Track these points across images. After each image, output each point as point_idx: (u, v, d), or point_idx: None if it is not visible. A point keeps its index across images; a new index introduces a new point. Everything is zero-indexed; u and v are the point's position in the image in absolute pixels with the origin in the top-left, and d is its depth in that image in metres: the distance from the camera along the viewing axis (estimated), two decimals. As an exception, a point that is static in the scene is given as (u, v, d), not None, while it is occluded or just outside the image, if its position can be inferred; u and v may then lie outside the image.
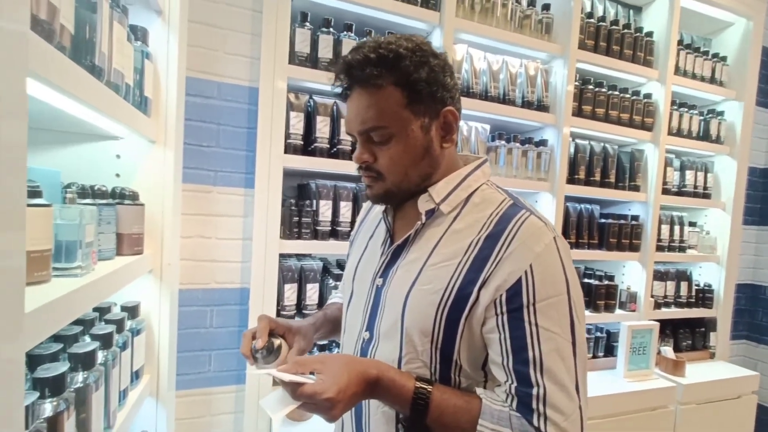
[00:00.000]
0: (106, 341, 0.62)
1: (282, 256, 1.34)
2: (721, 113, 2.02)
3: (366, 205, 0.87)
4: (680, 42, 1.85)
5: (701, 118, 1.97)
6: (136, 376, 0.79)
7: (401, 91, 0.58)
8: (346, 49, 1.32)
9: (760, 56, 1.99)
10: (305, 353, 0.71)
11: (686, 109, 1.92)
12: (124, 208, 0.71)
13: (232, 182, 1.29)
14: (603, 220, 1.79)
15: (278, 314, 1.31)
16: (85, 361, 0.55)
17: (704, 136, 1.98)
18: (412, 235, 0.64)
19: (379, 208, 0.77)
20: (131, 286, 0.80)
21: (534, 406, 0.52)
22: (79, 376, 0.55)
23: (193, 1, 1.20)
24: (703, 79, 1.93)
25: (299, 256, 1.43)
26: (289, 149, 1.28)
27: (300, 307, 1.37)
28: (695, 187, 1.98)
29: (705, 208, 2.07)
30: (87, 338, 0.63)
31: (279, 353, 0.67)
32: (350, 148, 1.36)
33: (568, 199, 1.67)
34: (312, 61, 1.30)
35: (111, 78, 0.62)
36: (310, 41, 1.28)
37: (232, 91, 1.28)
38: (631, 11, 1.93)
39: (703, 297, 2.03)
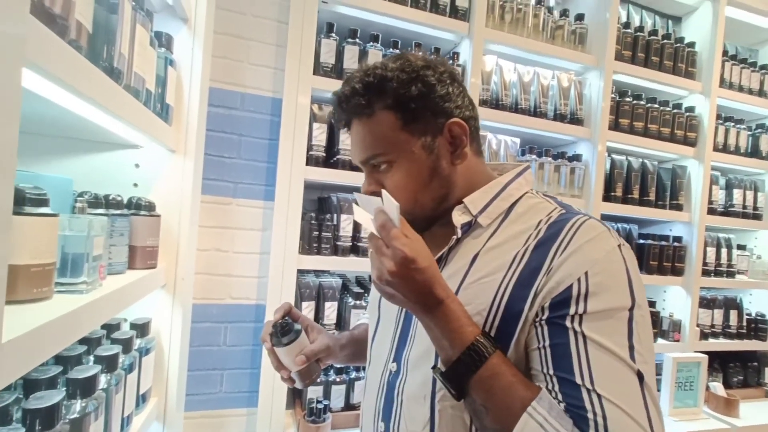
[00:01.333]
0: (110, 364, 0.57)
1: (300, 272, 1.29)
2: (772, 128, 1.88)
3: None
4: (724, 53, 1.74)
5: (749, 133, 1.83)
6: (142, 399, 0.73)
7: (393, 113, 0.54)
8: (372, 60, 1.28)
9: (813, 68, 1.85)
10: (322, 362, 0.67)
11: (733, 124, 1.79)
12: (138, 220, 0.68)
13: (252, 194, 1.26)
14: (642, 241, 1.66)
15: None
16: (85, 388, 0.50)
17: (753, 152, 1.84)
18: (446, 252, 0.57)
19: None
20: (143, 301, 0.76)
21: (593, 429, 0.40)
22: (77, 405, 0.49)
23: (220, 11, 1.20)
24: (750, 91, 1.80)
25: (318, 273, 1.37)
26: (311, 161, 1.24)
27: (317, 326, 1.30)
28: (744, 207, 1.82)
29: (755, 230, 1.91)
30: (91, 359, 0.58)
31: (298, 336, 0.64)
32: (374, 160, 1.31)
33: (603, 217, 1.56)
34: (337, 72, 1.27)
35: (131, 82, 0.59)
36: (335, 52, 1.26)
37: (255, 102, 1.26)
38: (670, 21, 1.84)
39: (756, 327, 1.84)
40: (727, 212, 1.80)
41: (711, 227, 1.75)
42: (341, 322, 1.35)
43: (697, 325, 1.70)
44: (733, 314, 1.80)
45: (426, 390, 0.52)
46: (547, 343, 0.45)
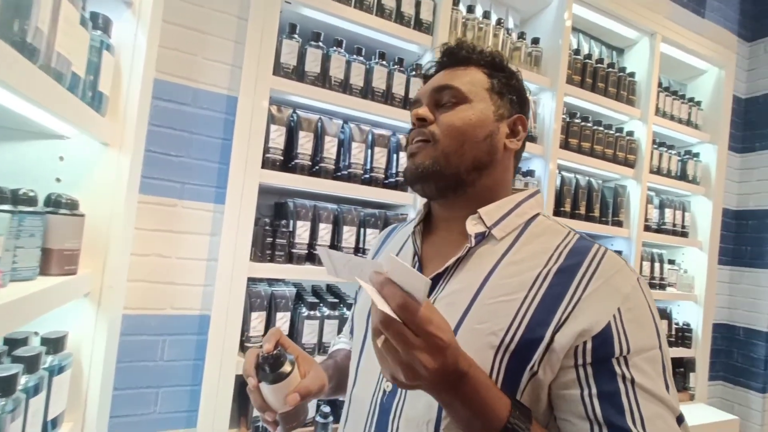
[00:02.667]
0: (5, 386, 0.49)
1: (251, 280, 1.22)
2: (697, 155, 2.08)
3: (379, 236, 0.77)
4: (660, 84, 1.92)
5: (679, 158, 2.02)
6: (52, 425, 0.64)
7: (487, 76, 0.58)
8: (335, 65, 1.26)
9: (731, 103, 2.08)
10: (312, 393, 0.55)
11: (665, 149, 1.96)
12: (56, 219, 0.59)
13: (201, 196, 1.18)
14: (588, 255, 1.76)
15: (242, 346, 1.17)
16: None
17: (682, 175, 2.02)
18: (454, 263, 0.53)
19: (401, 234, 0.67)
20: (60, 312, 0.67)
21: None
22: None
23: (173, 2, 1.12)
24: (680, 121, 1.99)
25: (271, 281, 1.31)
26: (267, 164, 1.19)
27: (268, 337, 1.23)
28: (674, 225, 2.00)
29: (683, 247, 2.09)
30: (-16, 382, 0.49)
31: (291, 370, 0.53)
32: (333, 167, 1.28)
33: (554, 231, 1.63)
34: (298, 74, 1.23)
35: (52, 63, 0.52)
36: (297, 54, 1.22)
37: (208, 99, 1.19)
38: (614, 52, 2.00)
39: (683, 336, 2.01)
40: (660, 229, 1.96)
41: (646, 243, 1.90)
42: (294, 334, 1.28)
43: (634, 335, 1.81)
44: (664, 324, 1.95)
45: (430, 415, 0.47)
46: (594, 391, 0.43)
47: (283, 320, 1.23)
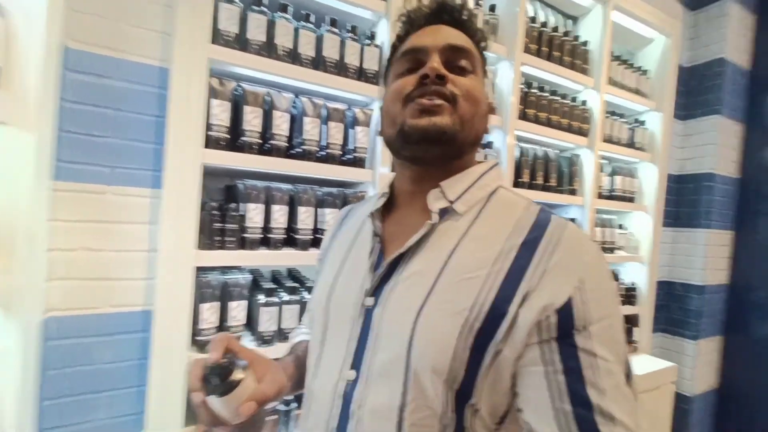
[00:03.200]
0: None
1: (201, 269, 1.14)
2: (644, 122, 2.17)
3: (336, 217, 0.72)
4: (612, 53, 1.94)
5: (629, 126, 2.09)
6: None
7: (479, 53, 0.57)
8: (281, 33, 1.15)
9: (676, 72, 2.16)
10: (270, 398, 0.51)
11: (616, 117, 2.02)
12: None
13: (135, 181, 1.06)
14: (545, 224, 1.81)
15: (193, 339, 1.11)
16: None
17: (630, 143, 2.10)
18: (418, 239, 0.51)
19: (359, 215, 0.63)
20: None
21: None
22: None
23: (81, -46, 0.96)
24: (630, 89, 2.05)
25: (224, 269, 1.23)
26: (211, 143, 1.08)
27: (222, 329, 1.17)
28: (623, 191, 2.09)
29: (631, 212, 2.21)
30: None
31: (244, 378, 0.48)
32: (285, 144, 1.19)
33: (513, 203, 1.65)
34: (241, 43, 1.12)
35: None
36: (238, 20, 1.10)
37: (136, 71, 1.04)
38: (569, 21, 1.99)
39: (629, 295, 2.16)
40: (611, 196, 2.05)
41: (599, 210, 1.98)
42: (251, 323, 1.23)
43: (587, 297, 1.92)
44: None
45: (394, 401, 0.46)
46: (559, 367, 0.42)
47: (238, 309, 1.17)
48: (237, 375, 0.47)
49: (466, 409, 0.45)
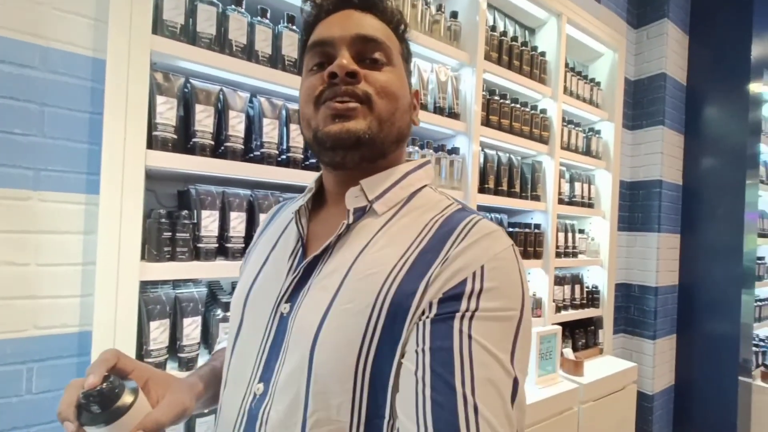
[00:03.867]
0: None
1: (149, 283, 1.02)
2: (599, 131, 2.28)
3: (269, 213, 0.67)
4: (567, 65, 2.03)
5: (584, 135, 2.18)
6: None
7: (397, 40, 0.52)
8: (234, 26, 1.08)
9: (623, 85, 2.30)
10: (166, 425, 0.44)
11: (573, 126, 2.10)
12: None
13: (66, 186, 0.94)
14: (511, 229, 1.83)
15: (141, 361, 0.98)
16: None
17: (587, 151, 2.20)
18: (333, 242, 0.47)
19: (285, 216, 0.58)
20: None
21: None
22: None
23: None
24: (584, 99, 2.15)
25: (176, 283, 1.12)
26: (157, 144, 0.99)
27: (175, 348, 1.05)
28: (582, 197, 2.17)
29: (589, 216, 2.30)
30: None
31: (132, 403, 0.41)
32: (242, 147, 1.12)
33: (479, 208, 1.66)
34: (189, 36, 1.04)
35: None
36: (184, 10, 1.02)
37: (65, 61, 0.93)
38: (527, 32, 2.07)
39: (592, 297, 2.22)
40: (571, 202, 2.11)
41: (560, 215, 2.03)
42: (208, 339, 1.12)
43: (553, 301, 1.95)
44: (577, 288, 2.14)
45: (295, 417, 0.40)
46: (428, 345, 0.38)
47: (192, 326, 1.06)
48: (125, 399, 0.41)
49: (380, 418, 0.40)
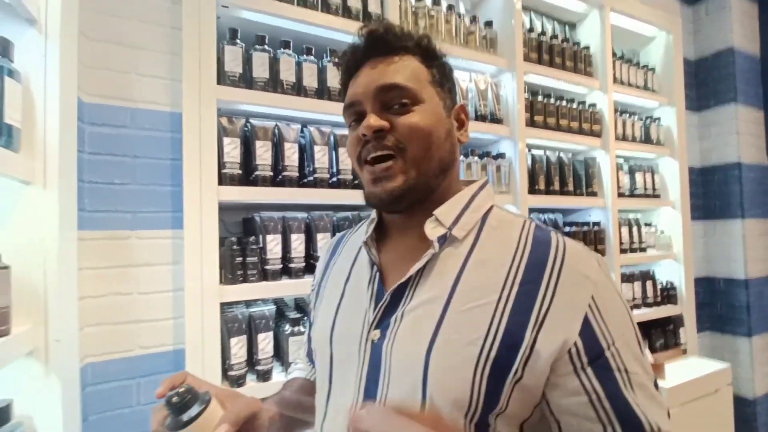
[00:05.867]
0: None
1: (226, 305, 1.14)
2: (658, 118, 2.12)
3: (327, 246, 0.71)
4: (614, 54, 1.93)
5: (641, 123, 2.05)
6: None
7: (425, 66, 0.53)
8: (284, 67, 1.20)
9: (682, 65, 2.13)
10: (241, 421, 0.48)
11: (628, 115, 1.98)
12: (-30, 276, 0.51)
13: (156, 224, 1.09)
14: (568, 228, 1.76)
15: (225, 374, 1.10)
16: None
17: (646, 139, 2.05)
18: (421, 269, 0.49)
19: (351, 243, 0.62)
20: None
21: None
22: None
23: (94, 16, 1.03)
24: (638, 87, 2.02)
25: (248, 303, 1.23)
26: (226, 180, 1.11)
27: (252, 362, 1.16)
28: (645, 188, 2.03)
29: (656, 208, 2.13)
30: None
31: (208, 403, 0.44)
32: (297, 174, 1.21)
33: (531, 210, 1.62)
34: (246, 81, 1.16)
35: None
36: (242, 60, 1.15)
37: (149, 118, 1.10)
38: (567, 27, 2.00)
39: (668, 294, 2.05)
40: (633, 194, 1.98)
41: (622, 209, 1.92)
42: (280, 353, 1.22)
43: (622, 302, 1.83)
44: (649, 285, 1.99)
45: None
46: (602, 395, 0.42)
47: (265, 341, 1.16)
48: (202, 398, 0.44)
49: None
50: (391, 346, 0.47)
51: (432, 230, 0.50)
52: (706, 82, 2.32)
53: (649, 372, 0.45)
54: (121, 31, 1.07)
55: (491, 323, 0.44)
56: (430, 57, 0.54)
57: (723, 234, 2.26)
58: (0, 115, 0.59)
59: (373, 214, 0.60)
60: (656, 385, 0.45)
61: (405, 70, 0.51)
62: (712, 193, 2.30)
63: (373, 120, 0.49)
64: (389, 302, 0.49)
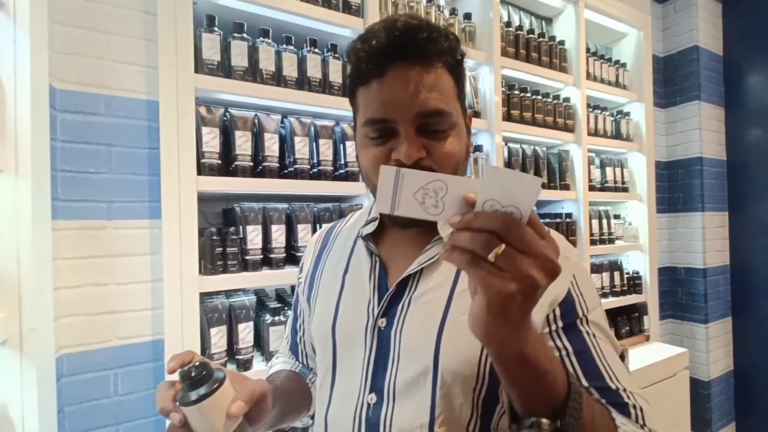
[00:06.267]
0: None
1: (205, 295, 1.14)
2: (628, 114, 2.21)
3: (316, 238, 0.71)
4: (588, 50, 2.00)
5: (612, 118, 2.13)
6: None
7: (453, 80, 0.50)
8: (264, 57, 1.19)
9: (651, 63, 2.22)
10: (256, 398, 0.46)
11: (600, 111, 2.06)
12: (-59, 264, 0.51)
13: (133, 214, 1.07)
14: (542, 220, 1.82)
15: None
16: None
17: (617, 135, 2.14)
18: (424, 263, 0.52)
19: (343, 237, 0.63)
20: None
21: (638, 423, 0.46)
22: None
23: (67, 1, 0.99)
24: (609, 83, 2.10)
25: (228, 293, 1.24)
26: (204, 170, 1.11)
27: (233, 351, 1.17)
28: (615, 182, 2.12)
29: (625, 201, 2.24)
30: None
31: (224, 377, 0.42)
32: (277, 165, 1.22)
33: (507, 202, 1.67)
34: (225, 70, 1.15)
35: None
36: (220, 48, 1.13)
37: (125, 106, 1.07)
38: (543, 22, 2.05)
39: (634, 284, 2.16)
40: (603, 188, 2.07)
41: (593, 202, 2.00)
42: (260, 343, 1.23)
43: (591, 289, 1.93)
44: (617, 275, 2.09)
45: (423, 419, 0.47)
46: (571, 350, 0.47)
47: (246, 331, 1.17)
48: (217, 375, 0.42)
49: (492, 411, 0.48)
50: (399, 332, 0.50)
51: (443, 227, 0.53)
52: (673, 79, 2.43)
53: (615, 343, 0.51)
54: (93, 15, 1.04)
55: None
56: (457, 63, 0.51)
57: (685, 226, 2.39)
58: (-32, 101, 0.58)
59: (374, 212, 0.61)
60: (622, 357, 0.51)
61: (444, 90, 0.48)
62: (676, 187, 2.43)
63: (414, 151, 0.46)
64: (395, 292, 0.52)
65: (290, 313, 0.77)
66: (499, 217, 0.31)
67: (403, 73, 0.46)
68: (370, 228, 0.59)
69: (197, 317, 1.06)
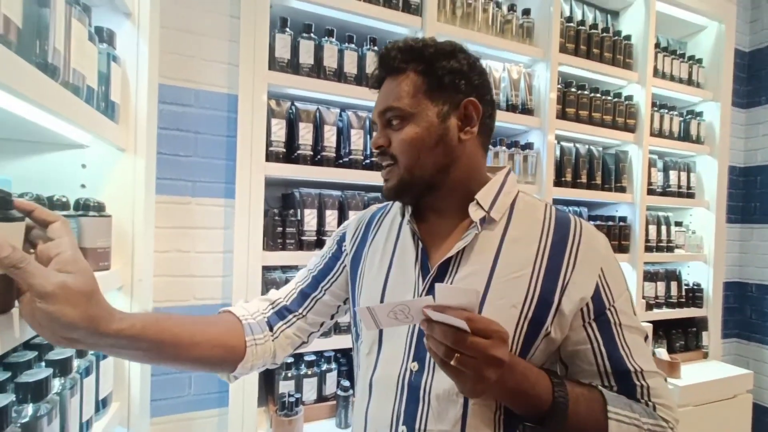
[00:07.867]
0: (63, 368, 0.56)
1: (266, 268, 1.29)
2: (700, 114, 2.06)
3: (359, 219, 0.76)
4: (657, 45, 1.89)
5: (681, 119, 2.00)
6: (102, 404, 0.72)
7: (422, 77, 0.59)
8: (327, 55, 1.29)
9: (733, 58, 2.04)
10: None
11: (666, 111, 1.94)
12: (87, 221, 0.66)
13: (212, 192, 1.24)
14: (592, 222, 1.78)
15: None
16: (36, 392, 0.49)
17: (685, 136, 2.01)
18: (463, 247, 0.58)
19: (388, 223, 0.70)
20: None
21: (642, 399, 0.54)
22: (29, 409, 0.48)
23: (167, 6, 1.16)
24: (680, 81, 1.97)
25: (284, 268, 1.38)
26: (271, 157, 1.24)
27: (286, 321, 1.30)
28: (679, 186, 2.00)
29: (689, 208, 2.09)
30: (42, 365, 0.57)
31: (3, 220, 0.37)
32: (334, 155, 1.32)
33: (555, 201, 1.66)
34: (293, 67, 1.27)
35: (70, 79, 0.58)
36: (290, 47, 1.26)
37: (210, 99, 1.24)
38: (609, 16, 1.97)
39: (693, 296, 2.03)
40: (665, 192, 1.96)
41: (651, 206, 1.91)
42: (310, 317, 1.35)
43: (643, 297, 1.85)
44: (674, 285, 1.98)
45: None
46: (600, 341, 0.55)
47: (299, 304, 1.30)
48: (13, 212, 0.37)
49: None
50: None
51: (474, 212, 0.59)
52: (757, 76, 2.21)
53: (639, 327, 0.57)
54: (188, 19, 1.21)
55: (528, 290, 0.55)
56: (431, 62, 0.59)
57: (760, 238, 2.19)
58: (107, 93, 0.73)
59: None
60: (646, 338, 0.58)
61: (401, 89, 0.59)
62: (753, 195, 2.22)
63: (374, 139, 0.62)
64: (437, 274, 0.59)
65: (307, 268, 0.78)
66: (450, 334, 0.43)
67: (384, 85, 0.62)
68: (406, 214, 0.65)
69: (259, 287, 1.21)
